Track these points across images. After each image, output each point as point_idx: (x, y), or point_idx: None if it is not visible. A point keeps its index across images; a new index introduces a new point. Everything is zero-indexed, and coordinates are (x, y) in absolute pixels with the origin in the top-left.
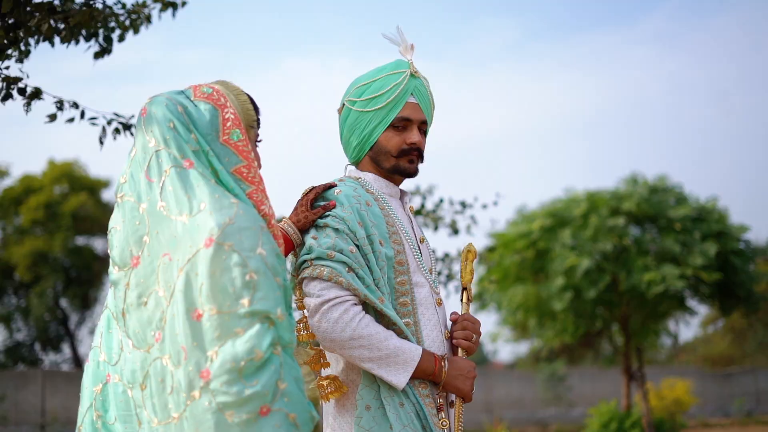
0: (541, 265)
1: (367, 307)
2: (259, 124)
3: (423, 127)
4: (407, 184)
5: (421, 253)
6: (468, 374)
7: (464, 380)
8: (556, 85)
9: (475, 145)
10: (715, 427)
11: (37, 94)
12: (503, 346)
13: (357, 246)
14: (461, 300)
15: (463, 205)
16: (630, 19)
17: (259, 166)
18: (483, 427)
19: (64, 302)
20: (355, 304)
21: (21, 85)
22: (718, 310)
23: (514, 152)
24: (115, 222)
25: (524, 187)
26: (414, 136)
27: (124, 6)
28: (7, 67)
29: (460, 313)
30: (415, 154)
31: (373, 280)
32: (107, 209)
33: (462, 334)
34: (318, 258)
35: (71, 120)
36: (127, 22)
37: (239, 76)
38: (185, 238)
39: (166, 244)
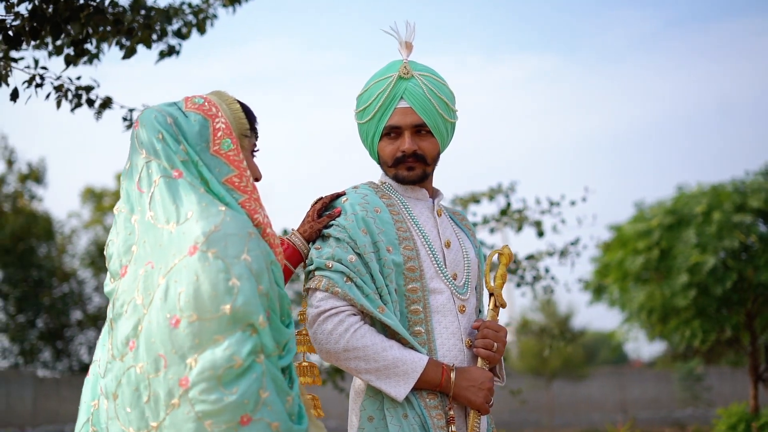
0: (665, 263)
1: (372, 317)
2: (256, 133)
3: (423, 129)
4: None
5: (444, 258)
6: (481, 385)
7: (476, 391)
8: (689, 77)
9: (602, 140)
10: None
11: (107, 103)
12: (629, 344)
13: (358, 254)
14: (488, 306)
15: (551, 203)
16: None
17: (257, 176)
18: (609, 427)
19: None
20: (353, 315)
21: (93, 95)
22: None
23: (639, 146)
24: (112, 235)
25: (642, 182)
26: (405, 143)
27: (190, 5)
28: (78, 77)
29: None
30: (411, 160)
31: (376, 288)
32: None
33: (482, 342)
34: (318, 268)
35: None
36: (194, 21)
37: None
38: (171, 247)
39: (150, 252)
